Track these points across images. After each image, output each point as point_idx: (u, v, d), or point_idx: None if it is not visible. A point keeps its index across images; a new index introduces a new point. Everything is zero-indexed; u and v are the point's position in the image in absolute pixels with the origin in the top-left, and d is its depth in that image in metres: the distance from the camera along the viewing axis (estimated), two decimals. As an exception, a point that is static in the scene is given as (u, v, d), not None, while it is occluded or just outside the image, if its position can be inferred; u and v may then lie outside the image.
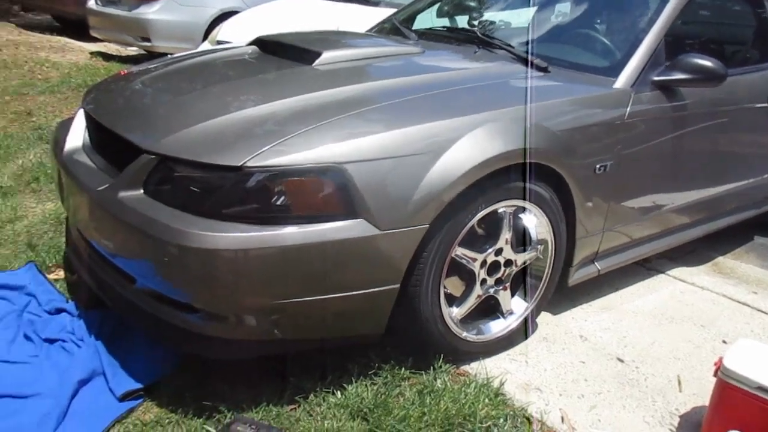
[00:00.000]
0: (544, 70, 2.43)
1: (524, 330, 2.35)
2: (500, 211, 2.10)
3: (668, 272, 3.02)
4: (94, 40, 7.31)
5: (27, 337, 2.27)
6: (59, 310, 2.39)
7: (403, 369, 2.11)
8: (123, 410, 1.94)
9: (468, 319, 2.19)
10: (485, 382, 2.07)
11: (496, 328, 2.25)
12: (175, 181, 1.84)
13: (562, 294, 2.64)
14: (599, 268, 2.53)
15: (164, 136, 1.90)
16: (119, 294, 2.00)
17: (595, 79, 2.41)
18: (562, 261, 2.34)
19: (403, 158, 1.84)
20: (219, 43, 5.27)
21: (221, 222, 1.74)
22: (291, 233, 1.74)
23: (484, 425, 1.89)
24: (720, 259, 3.36)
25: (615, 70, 2.42)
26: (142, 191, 1.88)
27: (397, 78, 2.30)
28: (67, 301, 2.45)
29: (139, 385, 2.01)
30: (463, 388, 2.03)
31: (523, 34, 2.87)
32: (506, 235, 2.14)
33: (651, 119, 2.42)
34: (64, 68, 5.99)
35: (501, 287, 2.22)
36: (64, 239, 2.92)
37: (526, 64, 2.47)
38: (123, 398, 1.98)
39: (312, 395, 2.00)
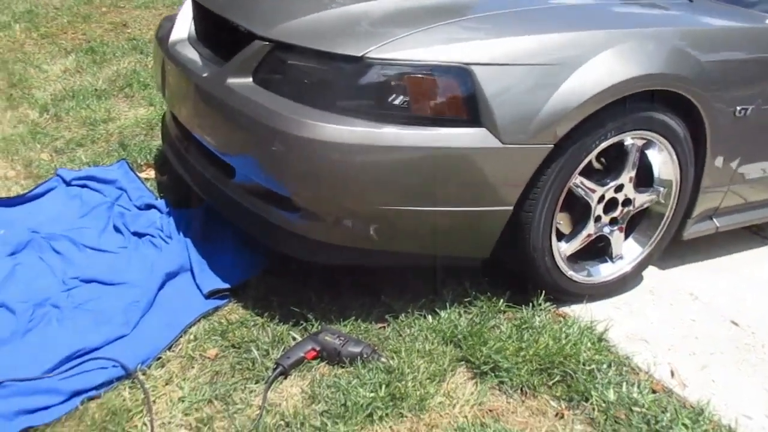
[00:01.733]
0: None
1: (635, 277, 2.17)
2: (628, 143, 1.91)
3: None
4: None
5: (117, 229, 2.26)
6: (149, 206, 2.36)
7: (500, 301, 1.97)
8: (209, 307, 1.90)
9: (574, 258, 2.03)
10: (588, 325, 1.92)
11: (606, 271, 2.08)
12: (288, 70, 1.75)
13: (670, 250, 2.43)
14: (717, 225, 2.30)
15: (280, 22, 1.81)
16: (217, 189, 1.95)
17: (746, 13, 2.17)
18: (684, 208, 2.13)
19: (535, 66, 1.67)
20: None
21: (335, 115, 1.64)
22: (408, 134, 1.62)
23: (587, 368, 1.75)
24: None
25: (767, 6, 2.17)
26: (251, 79, 1.80)
27: None
28: (157, 199, 2.43)
29: (226, 285, 1.96)
30: (563, 329, 1.88)
31: None
32: (630, 171, 1.96)
33: None
34: None
35: (616, 227, 2.05)
36: (156, 141, 2.91)
37: None
38: (210, 296, 1.94)
39: (403, 316, 1.90)
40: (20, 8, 4.83)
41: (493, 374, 1.72)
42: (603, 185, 1.94)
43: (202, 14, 2.18)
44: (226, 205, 1.94)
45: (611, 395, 1.68)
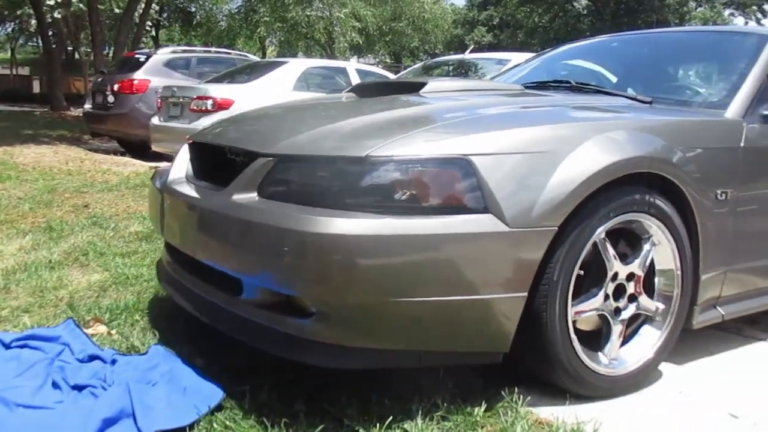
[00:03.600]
0: (649, 103, 2.43)
1: (657, 366, 2.16)
2: (641, 225, 2.04)
3: (764, 341, 2.64)
4: (153, 158, 7.62)
5: (55, 385, 2.06)
6: (93, 358, 2.18)
7: (476, 411, 1.80)
8: (151, 452, 1.68)
9: (593, 350, 2.01)
10: (576, 428, 1.74)
11: (632, 358, 2.06)
12: (292, 179, 1.86)
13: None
14: (723, 313, 2.31)
15: (281, 140, 1.96)
16: (224, 311, 1.99)
17: (704, 111, 2.43)
18: (690, 293, 2.16)
19: (529, 155, 1.80)
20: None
21: (344, 211, 1.70)
22: (415, 223, 1.68)
23: (579, 471, 1.55)
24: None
25: (723, 103, 2.42)
26: (256, 194, 1.88)
27: (507, 97, 2.42)
28: (102, 350, 2.26)
29: (170, 426, 1.75)
30: (548, 434, 1.70)
31: (620, 82, 2.95)
32: (641, 259, 2.06)
33: (765, 152, 2.37)
34: (123, 175, 6.18)
35: (618, 320, 2.05)
36: (107, 300, 2.79)
37: (629, 99, 2.50)
38: (152, 439, 1.72)
39: (369, 438, 1.70)
40: (-18, 201, 4.89)
41: (475, 491, 1.51)
42: (622, 261, 2.01)
43: (199, 152, 2.37)
44: (235, 325, 1.95)
45: (611, 500, 1.47)
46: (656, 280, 2.13)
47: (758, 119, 2.41)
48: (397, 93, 2.53)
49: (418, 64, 6.92)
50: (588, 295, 1.97)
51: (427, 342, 1.78)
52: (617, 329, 2.02)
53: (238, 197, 1.88)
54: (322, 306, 1.73)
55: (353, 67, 8.12)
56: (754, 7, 33.36)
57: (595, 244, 1.92)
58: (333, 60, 12.80)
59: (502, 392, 1.89)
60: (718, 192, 2.18)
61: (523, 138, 1.84)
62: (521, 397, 1.84)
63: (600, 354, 2.01)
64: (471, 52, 6.22)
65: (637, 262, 2.05)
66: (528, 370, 2.01)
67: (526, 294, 1.78)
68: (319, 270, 1.67)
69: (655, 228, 2.04)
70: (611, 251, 1.98)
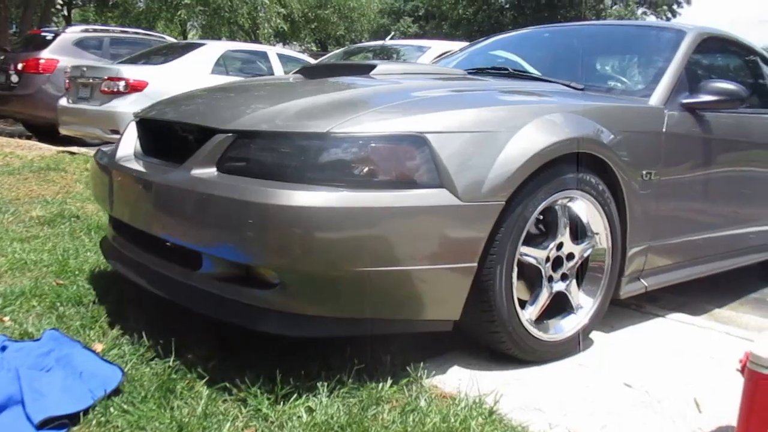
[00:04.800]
0: (581, 89, 2.59)
1: (592, 329, 2.34)
2: (556, 205, 2.13)
3: (666, 316, 2.78)
4: (62, 143, 7.25)
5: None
6: (-20, 345, 2.05)
7: (381, 386, 1.80)
8: (40, 439, 1.59)
9: (539, 320, 2.16)
10: (477, 400, 1.77)
11: (568, 326, 2.22)
12: (253, 155, 1.90)
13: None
14: (646, 284, 2.54)
15: (239, 117, 1.98)
16: (181, 284, 2.01)
17: (630, 98, 2.64)
18: (618, 265, 2.34)
19: (479, 134, 1.91)
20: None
21: (306, 185, 1.75)
22: (375, 196, 1.75)
23: (479, 440, 1.58)
24: (716, 310, 3.18)
25: (647, 92, 2.62)
26: (215, 169, 1.91)
27: (454, 81, 2.53)
28: (-8, 337, 2.13)
29: (60, 412, 1.67)
30: (451, 407, 1.73)
31: (553, 70, 3.02)
32: (564, 228, 2.17)
33: (684, 138, 2.61)
34: (27, 158, 5.84)
35: (568, 281, 2.22)
36: (1, 287, 2.63)
37: (564, 86, 2.64)
38: (41, 426, 1.63)
39: (273, 416, 1.67)
40: None
41: (377, 463, 1.51)
42: (545, 248, 2.12)
43: (148, 129, 2.40)
44: (194, 297, 1.97)
45: (509, 467, 1.51)
46: (589, 252, 2.29)
47: (677, 107, 2.61)
48: (346, 75, 2.60)
49: (340, 50, 6.87)
50: (537, 244, 2.12)
51: (381, 310, 1.85)
52: (544, 296, 2.14)
53: (197, 172, 1.90)
54: (281, 276, 1.78)
55: (274, 52, 7.98)
56: (665, 7, 35.01)
57: (549, 209, 2.11)
58: (253, 44, 12.52)
59: (408, 368, 1.91)
60: (644, 173, 2.36)
61: (472, 118, 1.95)
62: (426, 372, 1.86)
63: (544, 322, 2.18)
64: (391, 38, 6.20)
65: (580, 246, 2.23)
66: (476, 338, 2.12)
67: (475, 264, 1.88)
68: (280, 240, 1.72)
69: (589, 205, 2.19)
70: (563, 221, 2.16)
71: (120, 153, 2.37)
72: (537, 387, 1.96)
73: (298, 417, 1.67)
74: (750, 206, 3.20)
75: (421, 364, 1.96)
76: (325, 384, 1.80)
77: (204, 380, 1.83)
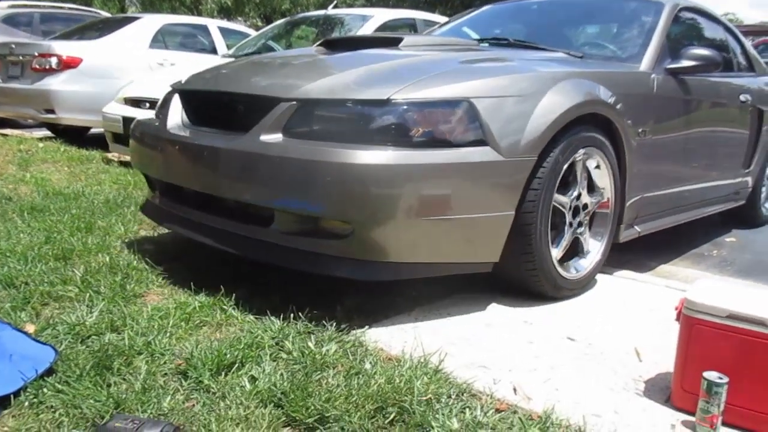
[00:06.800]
0: (580, 57, 2.83)
1: (602, 265, 2.65)
2: (578, 159, 2.37)
3: (612, 274, 2.84)
4: (-4, 124, 6.92)
5: None
6: None
7: (325, 352, 1.78)
8: (-33, 423, 1.52)
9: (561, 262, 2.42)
10: (422, 360, 1.77)
11: (585, 263, 2.53)
12: (317, 121, 2.09)
13: (505, 288, 2.41)
14: (639, 230, 2.87)
15: (300, 86, 2.15)
16: (253, 240, 2.19)
17: (622, 65, 2.91)
18: (618, 214, 2.66)
19: (514, 98, 2.15)
20: (130, 100, 5.04)
21: (369, 145, 1.95)
22: (430, 154, 1.98)
23: (423, 398, 1.58)
24: (658, 266, 3.26)
25: (637, 58, 2.93)
26: (281, 135, 2.08)
27: (477, 52, 2.71)
28: None
29: (-8, 394, 1.59)
30: (396, 368, 1.72)
31: (546, 40, 3.18)
32: (583, 181, 2.45)
33: (669, 99, 2.93)
34: (-44, 141, 5.56)
35: (584, 228, 2.52)
36: None
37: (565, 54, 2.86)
38: (-31, 409, 1.56)
39: (215, 387, 1.63)
40: None
41: (322, 427, 1.49)
42: (569, 197, 2.41)
43: (194, 100, 2.57)
44: (268, 252, 2.14)
45: (455, 423, 1.51)
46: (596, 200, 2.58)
47: (662, 72, 2.93)
48: (374, 47, 2.75)
49: (282, 20, 6.69)
50: (563, 194, 2.38)
51: (434, 254, 2.09)
52: (567, 239, 2.44)
53: (265, 138, 2.08)
54: (349, 226, 1.98)
55: (215, 25, 7.73)
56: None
57: (571, 164, 2.36)
58: (193, 17, 12.13)
59: (354, 332, 1.89)
60: (639, 130, 2.68)
61: (507, 84, 2.19)
62: (372, 336, 1.84)
63: (566, 263, 2.46)
64: (334, 7, 6.09)
65: (593, 197, 2.54)
66: (512, 279, 2.36)
67: (513, 213, 2.15)
68: (351, 194, 1.92)
69: (600, 159, 2.48)
70: (581, 174, 2.44)
71: (170, 123, 2.53)
72: (482, 345, 1.97)
73: (241, 387, 1.64)
74: (719, 161, 3.57)
75: (366, 327, 1.94)
76: (268, 353, 1.77)
77: (142, 355, 1.78)
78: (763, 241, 4.01)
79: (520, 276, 2.31)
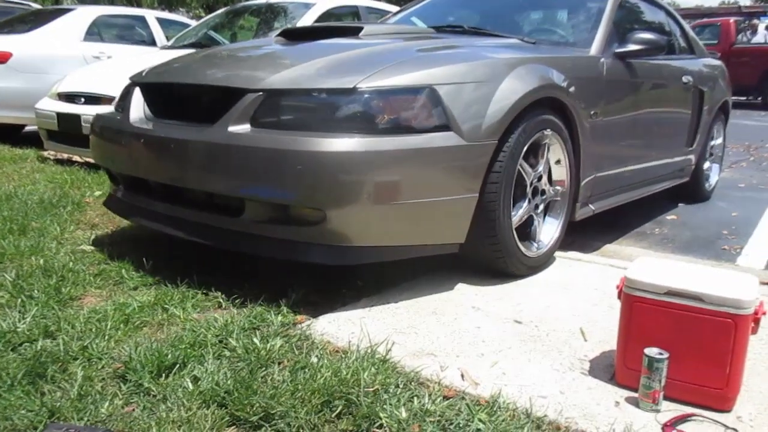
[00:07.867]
0: (533, 43, 2.89)
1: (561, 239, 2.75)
2: (543, 141, 2.49)
3: (557, 255, 2.87)
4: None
5: None
6: None
7: (270, 346, 1.74)
8: None
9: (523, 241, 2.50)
10: (369, 351, 1.75)
11: (545, 238, 2.63)
12: (284, 111, 2.12)
13: (447, 271, 2.42)
14: (593, 208, 2.97)
15: (265, 77, 2.16)
16: (222, 230, 2.21)
17: (573, 50, 3.01)
18: (574, 193, 2.75)
19: (474, 84, 2.21)
20: (64, 95, 4.85)
21: (339, 133, 1.99)
22: (396, 140, 2.02)
23: (370, 389, 1.56)
24: (603, 246, 3.31)
25: (587, 43, 3.02)
26: (249, 126, 2.10)
27: (436, 40, 2.77)
28: None
29: None
30: (343, 361, 1.69)
31: (498, 27, 3.24)
32: (546, 163, 2.56)
33: (618, 82, 3.04)
34: None
35: (539, 211, 2.61)
36: None
37: (519, 41, 2.93)
38: None
39: (155, 389, 1.58)
40: None
41: (267, 425, 1.46)
42: (535, 169, 2.52)
43: (162, 94, 2.54)
44: (238, 241, 2.17)
45: (403, 413, 1.49)
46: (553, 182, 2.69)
47: (611, 56, 3.03)
48: (334, 37, 2.74)
49: (222, 10, 6.52)
50: (534, 166, 2.51)
51: (402, 237, 2.14)
52: (526, 206, 2.51)
53: (233, 129, 2.09)
54: (320, 213, 2.00)
55: (153, 16, 7.50)
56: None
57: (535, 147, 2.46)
58: (129, 8, 11.76)
59: (300, 326, 1.86)
60: (591, 113, 2.78)
61: (467, 71, 2.24)
62: (318, 328, 1.82)
63: (526, 242, 2.52)
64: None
65: (542, 167, 2.59)
66: (478, 258, 2.43)
67: (477, 195, 2.22)
68: (321, 181, 1.95)
69: (556, 142, 2.57)
70: (545, 156, 2.55)
71: (133, 116, 2.51)
72: (430, 333, 1.96)
73: (183, 388, 1.59)
74: (665, 140, 3.71)
75: (311, 320, 1.91)
76: (212, 351, 1.72)
77: (78, 361, 1.71)
78: (702, 216, 4.13)
79: (485, 255, 2.37)
